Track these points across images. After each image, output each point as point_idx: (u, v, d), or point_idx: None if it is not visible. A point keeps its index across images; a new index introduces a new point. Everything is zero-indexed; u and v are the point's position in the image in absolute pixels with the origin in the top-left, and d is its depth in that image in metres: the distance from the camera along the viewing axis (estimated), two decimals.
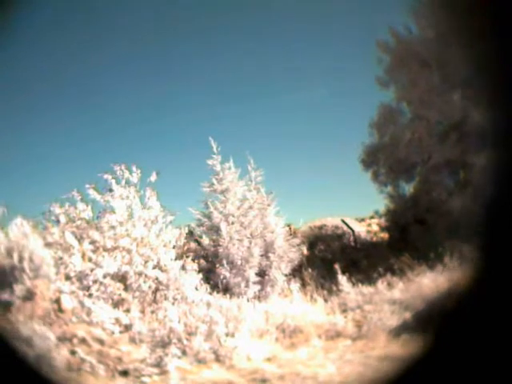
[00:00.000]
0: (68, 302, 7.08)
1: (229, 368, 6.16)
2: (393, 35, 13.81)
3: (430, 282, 8.32)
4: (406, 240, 12.52)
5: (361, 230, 16.33)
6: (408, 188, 13.96)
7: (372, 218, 17.29)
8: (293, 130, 23.11)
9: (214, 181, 10.73)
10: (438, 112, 12.34)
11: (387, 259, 11.33)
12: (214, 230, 10.39)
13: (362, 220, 18.48)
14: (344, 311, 8.51)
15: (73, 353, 6.02)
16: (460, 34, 9.06)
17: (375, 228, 16.12)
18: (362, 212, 18.79)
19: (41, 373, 5.39)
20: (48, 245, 7.72)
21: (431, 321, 6.21)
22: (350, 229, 15.64)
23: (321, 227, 16.19)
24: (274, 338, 7.25)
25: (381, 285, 9.08)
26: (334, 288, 9.52)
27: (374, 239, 15.40)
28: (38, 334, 5.88)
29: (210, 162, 10.74)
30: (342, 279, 9.39)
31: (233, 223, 10.32)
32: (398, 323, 7.06)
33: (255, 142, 22.91)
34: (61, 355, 5.80)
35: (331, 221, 16.44)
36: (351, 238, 15.34)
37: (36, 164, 20.69)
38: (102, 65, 22.05)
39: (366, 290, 9.11)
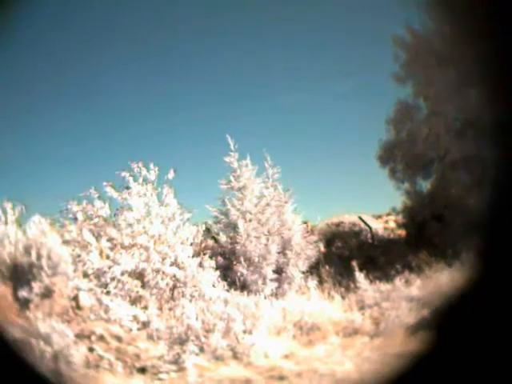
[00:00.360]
0: (86, 300, 7.14)
1: (246, 365, 6.17)
2: (408, 30, 13.68)
3: (447, 279, 8.27)
4: (424, 237, 12.43)
5: (378, 226, 16.23)
6: (425, 184, 13.86)
7: (389, 214, 17.17)
8: (308, 129, 22.97)
9: (232, 178, 10.71)
10: (455, 108, 12.22)
11: (405, 256, 11.29)
12: (232, 227, 10.39)
13: (379, 217, 18.36)
14: (361, 308, 8.48)
15: (91, 350, 6.08)
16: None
17: (392, 225, 16.01)
18: (379, 209, 18.62)
19: (59, 369, 5.44)
20: (66, 242, 7.79)
21: (449, 318, 6.16)
22: (367, 226, 15.56)
23: (338, 224, 16.13)
24: (292, 336, 7.24)
25: (398, 282, 9.04)
26: (352, 285, 9.48)
27: (392, 236, 15.27)
28: (57, 331, 5.93)
29: (227, 159, 10.73)
30: (360, 276, 9.35)
31: (250, 220, 10.31)
32: (415, 320, 7.01)
33: (272, 140, 22.82)
34: (79, 352, 5.86)
35: (348, 218, 16.36)
36: (368, 235, 15.26)
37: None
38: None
39: (384, 287, 9.06)
